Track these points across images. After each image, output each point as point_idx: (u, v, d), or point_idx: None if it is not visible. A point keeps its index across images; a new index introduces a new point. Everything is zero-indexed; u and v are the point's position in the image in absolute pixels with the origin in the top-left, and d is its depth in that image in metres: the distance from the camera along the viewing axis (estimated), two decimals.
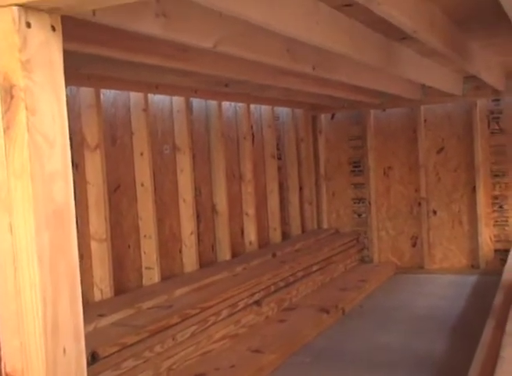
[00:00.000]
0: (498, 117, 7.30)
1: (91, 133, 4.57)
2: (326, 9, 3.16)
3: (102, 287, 4.58)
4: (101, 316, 4.07)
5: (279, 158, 7.55)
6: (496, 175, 7.34)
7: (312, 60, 4.19)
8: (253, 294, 5.43)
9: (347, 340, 5.24)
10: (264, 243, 7.07)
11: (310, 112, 8.03)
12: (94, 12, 2.18)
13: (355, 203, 8.05)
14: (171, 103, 5.63)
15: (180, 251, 5.66)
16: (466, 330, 5.22)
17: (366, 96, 6.85)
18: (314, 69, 4.24)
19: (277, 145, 7.46)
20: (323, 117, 8.15)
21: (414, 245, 7.73)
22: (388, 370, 4.47)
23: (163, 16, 2.60)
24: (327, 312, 5.75)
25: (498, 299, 4.39)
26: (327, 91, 5.88)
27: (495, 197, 7.36)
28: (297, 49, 3.88)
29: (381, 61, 4.16)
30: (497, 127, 7.30)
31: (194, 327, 4.49)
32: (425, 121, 7.56)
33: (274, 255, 6.54)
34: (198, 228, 5.86)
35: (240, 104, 6.64)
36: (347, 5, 3.15)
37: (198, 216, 5.88)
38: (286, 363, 4.70)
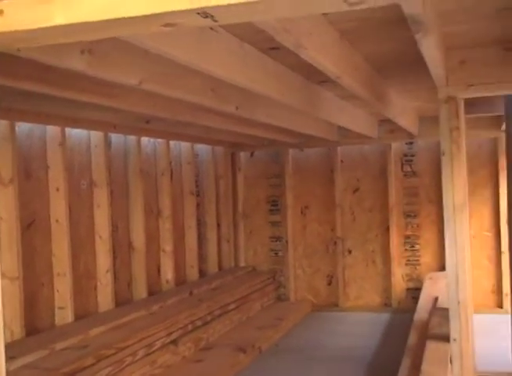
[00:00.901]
0: (411, 160, 7.57)
1: (5, 167, 4.40)
2: (252, 51, 3.20)
3: (13, 327, 4.37)
4: (11, 358, 3.86)
5: (198, 195, 7.52)
6: (409, 216, 7.58)
7: (236, 100, 4.22)
8: (170, 334, 5.32)
9: None
10: (181, 280, 6.97)
11: (229, 149, 8.07)
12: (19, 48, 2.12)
13: (272, 241, 8.09)
14: (89, 137, 5.52)
15: (95, 289, 5.49)
16: (381, 369, 5.28)
17: (285, 136, 6.96)
18: (237, 109, 4.27)
19: (196, 182, 7.43)
20: (243, 155, 8.20)
21: (329, 283, 7.83)
22: None
23: (88, 53, 2.56)
24: (244, 351, 5.70)
25: (412, 339, 4.47)
26: (248, 130, 5.94)
27: (408, 237, 7.59)
28: (222, 89, 3.90)
29: (302, 103, 4.25)
30: (410, 169, 7.56)
31: (110, 369, 4.34)
32: (342, 161, 7.75)
33: (191, 293, 6.45)
34: (114, 265, 5.71)
35: (160, 140, 6.59)
36: (273, 49, 3.20)
37: (114, 253, 5.74)
38: None
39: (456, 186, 3.71)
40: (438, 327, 4.34)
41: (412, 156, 7.57)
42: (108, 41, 2.63)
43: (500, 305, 7.18)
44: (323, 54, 2.83)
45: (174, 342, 5.37)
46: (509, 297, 6.97)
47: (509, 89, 3.70)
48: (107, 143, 5.65)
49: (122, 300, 5.85)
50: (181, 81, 3.41)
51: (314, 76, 4.11)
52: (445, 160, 3.74)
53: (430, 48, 2.75)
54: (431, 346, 3.89)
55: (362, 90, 3.74)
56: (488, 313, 6.87)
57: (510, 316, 4.45)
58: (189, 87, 3.56)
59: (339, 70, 3.14)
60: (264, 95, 3.60)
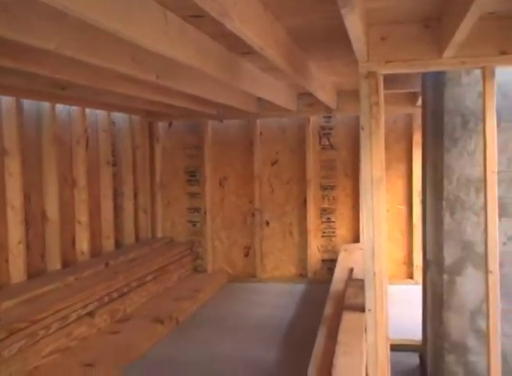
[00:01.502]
0: (329, 134, 7.68)
1: None
2: (174, 19, 3.12)
3: None
4: None
5: (114, 164, 7.36)
6: (326, 189, 7.71)
7: (156, 69, 4.13)
8: (85, 306, 5.23)
9: (182, 350, 5.21)
10: (96, 252, 6.85)
11: (147, 119, 7.92)
12: None
13: (190, 212, 8.05)
14: (0, 103, 5.28)
15: (6, 261, 5.31)
16: (298, 339, 5.39)
17: (205, 106, 6.89)
18: (157, 78, 4.17)
19: (113, 151, 7.27)
20: (161, 125, 8.08)
21: (247, 255, 7.89)
22: None
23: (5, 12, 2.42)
24: (161, 322, 5.68)
25: (328, 309, 4.57)
26: (167, 99, 5.83)
27: (324, 210, 7.73)
28: (142, 57, 3.80)
29: (223, 73, 4.20)
30: (328, 143, 7.67)
31: (23, 342, 4.23)
32: (261, 133, 7.77)
33: (107, 265, 6.35)
34: (27, 236, 5.53)
35: (75, 107, 6.39)
36: (196, 16, 3.14)
37: (27, 223, 5.56)
38: None
39: (374, 161, 3.78)
40: (353, 298, 4.45)
41: (330, 129, 7.68)
42: (25, 2, 2.50)
43: (411, 276, 7.45)
44: (248, 25, 2.80)
45: (89, 314, 5.29)
46: (419, 268, 7.25)
47: (427, 67, 3.77)
48: (19, 109, 5.42)
49: (35, 272, 5.69)
50: (101, 47, 3.30)
51: (236, 47, 4.08)
52: (364, 135, 3.79)
53: (354, 24, 2.76)
54: (347, 316, 3.98)
55: (284, 62, 3.73)
56: (400, 284, 7.12)
57: (420, 286, 4.62)
58: (109, 54, 3.44)
59: (262, 42, 3.12)
60: (185, 65, 3.53)
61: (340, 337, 3.51)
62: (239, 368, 4.72)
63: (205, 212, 7.91)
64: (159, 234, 8.10)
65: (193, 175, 8.00)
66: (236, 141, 7.86)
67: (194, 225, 8.03)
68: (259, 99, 7.00)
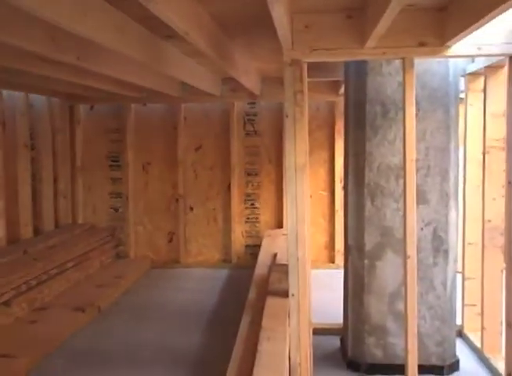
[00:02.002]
0: (253, 120, 7.69)
1: None
2: (95, 0, 3.04)
3: None
4: None
5: (33, 148, 7.13)
6: (250, 174, 7.74)
7: (77, 50, 4.02)
8: (2, 294, 5.08)
9: (105, 338, 5.14)
10: (14, 239, 6.63)
11: (67, 101, 7.71)
12: None
13: (112, 197, 7.92)
14: None
15: None
16: (222, 324, 5.41)
17: (128, 90, 6.76)
18: (78, 59, 4.06)
19: (31, 134, 7.03)
20: (82, 108, 7.88)
21: (170, 240, 7.84)
22: (146, 366, 4.47)
23: None
24: (82, 310, 5.58)
25: (252, 294, 4.61)
26: (88, 81, 5.68)
27: (248, 195, 7.76)
28: (63, 38, 3.68)
29: (146, 57, 4.13)
30: (252, 129, 7.69)
31: None
32: (185, 118, 7.70)
33: (25, 252, 6.17)
34: None
35: None
36: None
37: None
38: (40, 367, 4.46)
39: (298, 148, 3.81)
40: (277, 283, 4.50)
41: (255, 116, 7.70)
42: None
43: (333, 261, 7.60)
44: (171, 8, 2.76)
45: (6, 303, 5.13)
46: (341, 253, 7.40)
47: (349, 56, 3.83)
48: None
49: None
50: (19, 28, 3.17)
51: (159, 30, 4.01)
52: (288, 122, 3.82)
53: (279, 12, 2.76)
54: (271, 301, 4.03)
55: (208, 47, 3.71)
56: (322, 268, 7.25)
57: (341, 270, 4.72)
58: (27, 34, 3.32)
59: (186, 26, 3.08)
60: (106, 47, 3.44)
61: (264, 322, 3.55)
62: (162, 355, 4.70)
63: (127, 198, 7.79)
64: (80, 220, 7.92)
65: (116, 160, 7.86)
66: (159, 125, 7.77)
67: (116, 210, 7.91)
68: (183, 83, 6.93)
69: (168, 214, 7.82)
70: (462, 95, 4.79)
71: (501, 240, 4.31)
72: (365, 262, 4.25)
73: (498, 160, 4.32)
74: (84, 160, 7.90)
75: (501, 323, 4.25)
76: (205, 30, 3.58)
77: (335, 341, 4.77)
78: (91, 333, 5.28)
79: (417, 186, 3.88)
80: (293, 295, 3.89)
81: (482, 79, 4.57)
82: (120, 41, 3.52)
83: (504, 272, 4.04)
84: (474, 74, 4.75)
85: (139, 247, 7.89)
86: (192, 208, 7.80)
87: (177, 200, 7.75)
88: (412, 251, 3.82)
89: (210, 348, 4.80)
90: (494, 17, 2.90)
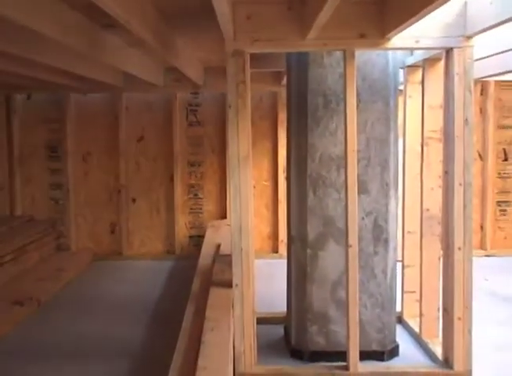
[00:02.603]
0: (196, 110, 7.66)
1: None
2: None
3: None
4: None
5: None
6: (193, 165, 7.71)
7: (12, 38, 3.91)
8: None
9: (44, 332, 5.04)
10: None
11: (3, 91, 7.50)
12: None
13: (52, 189, 7.76)
14: None
15: None
16: (166, 315, 5.38)
17: (67, 79, 6.62)
18: (13, 47, 3.95)
19: None
20: (18, 98, 7.68)
21: (113, 232, 7.74)
22: (88, 360, 4.41)
23: None
24: (21, 304, 5.47)
25: (196, 285, 4.60)
26: (24, 70, 5.54)
27: (192, 186, 7.73)
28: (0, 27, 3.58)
29: (85, 46, 4.06)
30: (195, 119, 7.66)
31: None
32: (127, 108, 7.60)
33: None
34: None
35: None
36: None
37: None
38: None
39: (241, 139, 3.83)
40: (220, 273, 4.51)
41: (197, 106, 7.66)
42: None
43: (276, 250, 7.66)
44: None
45: None
46: (284, 242, 7.47)
47: (291, 47, 3.86)
48: None
49: None
50: None
51: (99, 19, 3.94)
52: (231, 113, 3.83)
53: (220, 2, 2.76)
54: (215, 292, 4.03)
55: (150, 37, 3.67)
56: (265, 258, 7.30)
57: (285, 260, 4.76)
58: None
59: (128, 15, 3.04)
60: (42, 34, 3.36)
61: (208, 313, 3.56)
62: (105, 347, 4.65)
63: (68, 189, 7.65)
64: (18, 212, 7.74)
65: (55, 151, 7.70)
66: (100, 115, 7.64)
67: (56, 202, 7.75)
68: (125, 73, 6.83)
69: (110, 205, 7.71)
70: (401, 87, 4.88)
71: (438, 229, 4.44)
72: (308, 251, 4.30)
73: (435, 151, 4.43)
74: (22, 151, 7.72)
75: (438, 309, 4.37)
76: (147, 20, 3.54)
77: (279, 330, 4.82)
78: (31, 326, 5.18)
79: (358, 176, 3.95)
80: (237, 285, 3.92)
81: (421, 71, 4.67)
82: (55, 30, 3.44)
83: (441, 259, 4.17)
84: (413, 67, 4.85)
85: (81, 240, 7.77)
86: (134, 200, 7.72)
87: (119, 191, 7.65)
88: (353, 240, 3.89)
89: (154, 340, 4.78)
90: (431, 11, 2.97)
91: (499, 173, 7.73)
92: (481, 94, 7.60)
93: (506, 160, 7.73)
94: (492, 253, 7.57)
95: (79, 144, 7.64)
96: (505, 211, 7.74)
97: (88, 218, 7.74)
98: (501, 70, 5.97)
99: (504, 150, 7.73)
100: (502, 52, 4.94)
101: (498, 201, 7.74)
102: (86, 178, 7.70)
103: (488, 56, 4.96)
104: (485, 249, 7.54)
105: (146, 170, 7.70)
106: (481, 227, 7.66)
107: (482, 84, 7.56)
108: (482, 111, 7.60)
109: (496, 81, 7.52)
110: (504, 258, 7.45)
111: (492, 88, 7.61)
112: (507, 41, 4.69)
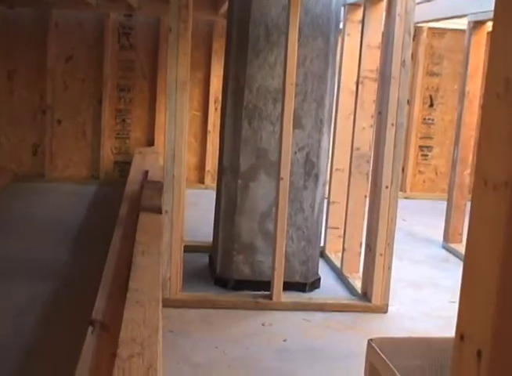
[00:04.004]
0: (129, 33, 7.41)
1: None
2: None
3: None
4: None
5: None
6: (122, 90, 7.51)
7: None
8: None
9: None
10: None
11: None
12: None
13: None
14: None
15: None
16: (91, 239, 5.33)
17: None
18: None
19: None
20: None
21: (35, 154, 7.52)
22: (8, 279, 4.33)
23: None
24: None
25: (123, 210, 4.57)
26: None
27: (120, 111, 7.56)
28: None
29: None
30: (127, 42, 7.42)
31: None
32: (56, 25, 7.27)
33: None
34: None
35: None
36: None
37: None
38: None
39: (180, 64, 3.77)
40: (149, 199, 4.49)
41: (131, 29, 7.41)
42: None
43: (202, 181, 7.67)
44: None
45: None
46: (210, 173, 7.50)
47: None
48: None
49: None
50: None
51: None
52: (171, 37, 3.75)
53: None
54: (144, 217, 4.03)
55: None
56: (191, 188, 7.30)
57: (210, 191, 4.79)
58: None
59: None
60: None
61: (138, 237, 3.56)
62: (26, 269, 4.57)
63: None
64: None
65: None
66: (28, 31, 7.26)
67: None
68: None
69: (34, 125, 7.45)
70: (340, 26, 4.89)
71: (367, 168, 4.55)
72: (239, 182, 4.33)
73: (370, 91, 4.50)
74: None
75: (360, 244, 4.54)
76: None
77: (204, 259, 4.89)
78: None
79: (294, 110, 3.98)
80: (166, 212, 3.93)
81: (361, 10, 4.68)
82: None
83: (368, 197, 4.30)
84: (354, 5, 4.86)
85: (1, 160, 7.50)
86: (60, 121, 7.48)
87: (44, 111, 7.39)
88: (285, 173, 3.95)
89: (79, 263, 4.75)
90: None
91: (424, 119, 7.95)
92: (413, 40, 7.71)
93: (431, 105, 7.95)
94: (411, 195, 7.86)
95: (3, 61, 7.28)
96: (426, 155, 8.01)
97: (11, 139, 7.45)
98: (435, 17, 6.09)
99: (431, 96, 7.93)
100: None
101: (420, 146, 7.99)
102: (10, 97, 7.37)
103: (423, 2, 5.03)
104: (405, 191, 7.81)
105: (74, 91, 7.45)
106: (403, 170, 7.90)
107: (415, 30, 7.65)
108: (413, 57, 7.72)
109: (429, 28, 7.65)
110: (422, 201, 7.75)
111: (424, 35, 7.74)
112: None
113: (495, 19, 1.16)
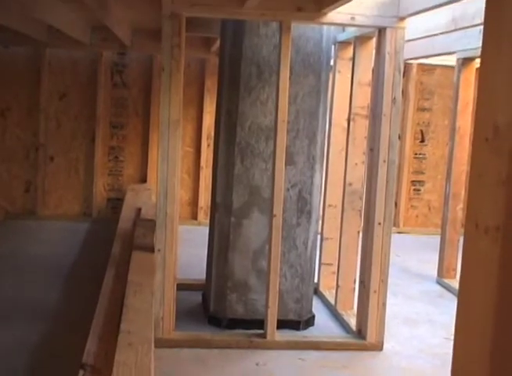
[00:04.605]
0: (122, 71, 7.47)
1: None
2: None
3: None
4: None
5: None
6: (115, 127, 7.54)
7: None
8: None
9: None
10: None
11: None
12: None
13: None
14: None
15: None
16: (83, 278, 5.29)
17: None
18: None
19: None
20: None
21: (27, 191, 7.50)
22: (1, 320, 4.29)
23: None
24: None
25: (116, 248, 4.54)
26: None
27: (113, 148, 7.57)
28: None
29: None
30: (120, 80, 7.47)
31: None
32: (50, 64, 7.32)
33: None
34: None
35: None
36: None
37: None
38: None
39: (173, 102, 3.79)
40: (142, 237, 4.47)
41: (124, 67, 7.48)
42: None
43: (195, 217, 7.66)
44: None
45: None
46: (203, 209, 7.49)
47: (229, 14, 3.84)
48: None
49: None
50: None
51: None
52: (164, 76, 3.77)
53: None
54: (137, 256, 4.00)
55: None
56: (184, 225, 7.27)
57: (203, 227, 4.77)
58: None
59: None
60: None
61: (131, 276, 3.53)
62: (18, 310, 4.52)
63: None
64: None
65: None
66: (22, 70, 7.31)
67: None
68: (50, 27, 6.57)
69: (27, 163, 7.45)
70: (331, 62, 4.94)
71: (360, 204, 4.56)
72: (232, 219, 4.32)
73: (361, 128, 4.53)
74: None
75: (354, 281, 4.51)
76: None
77: (197, 297, 4.85)
78: None
79: (286, 147, 3.99)
80: (159, 250, 3.91)
81: (351, 48, 4.74)
82: None
83: (361, 233, 4.30)
84: (344, 43, 4.92)
85: None
86: (52, 158, 7.48)
87: (37, 148, 7.40)
88: (278, 210, 3.94)
89: (71, 303, 4.70)
90: None
91: (416, 154, 8.00)
92: (404, 76, 7.79)
93: (422, 141, 8.00)
94: (404, 230, 7.86)
95: None
96: (419, 190, 8.04)
97: (3, 176, 7.44)
98: (424, 54, 6.17)
99: (421, 131, 7.99)
100: (427, 37, 5.10)
101: (412, 181, 8.02)
102: (3, 134, 7.38)
103: (413, 39, 5.09)
104: (398, 226, 7.81)
105: (67, 128, 7.47)
106: (395, 205, 7.92)
107: (405, 67, 7.74)
108: (404, 93, 7.80)
109: (419, 64, 7.75)
110: (415, 236, 7.76)
111: (414, 71, 7.83)
112: (432, 26, 4.84)
113: (481, 67, 1.18)
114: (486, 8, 1.14)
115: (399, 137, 7.73)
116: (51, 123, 7.42)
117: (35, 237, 6.70)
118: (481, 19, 3.85)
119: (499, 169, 1.11)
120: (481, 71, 1.20)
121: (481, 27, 4.39)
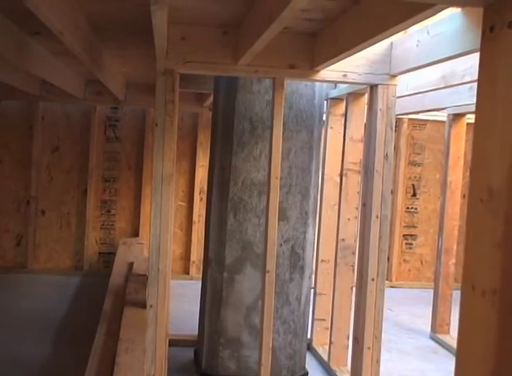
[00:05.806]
0: (115, 125, 7.53)
1: None
2: None
3: None
4: None
5: None
6: (108, 181, 7.55)
7: None
8: None
9: None
10: None
11: None
12: None
13: None
14: None
15: None
16: (74, 334, 5.20)
17: None
18: None
19: None
20: None
21: (18, 244, 7.44)
22: None
23: None
24: None
25: (107, 304, 4.49)
26: None
27: (105, 202, 7.57)
28: None
29: (9, 52, 3.93)
30: (113, 134, 7.52)
31: None
32: (43, 118, 7.37)
33: None
34: None
35: None
36: None
37: None
38: None
39: (166, 158, 3.80)
40: (134, 293, 4.43)
41: (117, 121, 7.54)
42: None
43: (187, 272, 7.59)
44: (48, 7, 2.66)
45: None
46: (196, 264, 7.44)
47: (223, 71, 3.88)
48: None
49: None
50: None
51: (27, 25, 3.84)
52: (157, 131, 3.79)
53: (161, 20, 2.75)
54: (129, 312, 3.95)
55: (81, 49, 3.60)
56: (176, 279, 7.21)
57: (195, 282, 4.73)
58: None
59: (62, 26, 2.98)
60: None
61: (122, 333, 3.47)
62: (7, 367, 4.43)
63: None
64: None
65: None
66: (14, 123, 7.36)
67: None
68: (43, 81, 6.64)
69: (18, 216, 7.42)
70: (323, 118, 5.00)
71: (353, 259, 4.54)
72: (225, 275, 4.29)
73: (353, 183, 4.55)
74: None
75: (348, 337, 4.46)
76: (80, 31, 3.47)
77: (188, 353, 4.77)
78: None
79: (279, 203, 3.99)
80: (151, 307, 3.85)
81: (343, 104, 4.80)
82: None
83: (354, 289, 4.26)
84: (336, 99, 4.99)
85: None
86: (44, 211, 7.46)
87: (28, 202, 7.38)
88: (271, 265, 3.91)
89: (61, 360, 4.60)
90: (359, 50, 3.09)
91: (408, 208, 8.02)
92: (395, 131, 7.88)
93: (414, 195, 8.04)
94: (397, 285, 7.82)
95: None
96: (411, 244, 8.03)
97: None
98: (415, 110, 6.25)
99: (413, 185, 8.04)
100: (418, 93, 5.17)
101: (404, 235, 8.02)
102: None
103: (404, 96, 5.17)
104: (390, 280, 7.77)
105: (59, 182, 7.48)
106: (388, 259, 7.89)
107: (396, 121, 7.83)
108: (395, 148, 7.88)
109: (410, 119, 7.85)
110: (408, 290, 7.71)
111: (405, 126, 7.93)
112: (422, 83, 4.92)
113: (475, 130, 1.19)
114: (479, 75, 1.17)
115: (391, 191, 7.79)
116: (43, 176, 7.43)
117: (26, 291, 6.61)
118: (470, 76, 3.93)
119: (495, 230, 1.12)
120: (474, 134, 1.22)
121: (471, 84, 4.44)
